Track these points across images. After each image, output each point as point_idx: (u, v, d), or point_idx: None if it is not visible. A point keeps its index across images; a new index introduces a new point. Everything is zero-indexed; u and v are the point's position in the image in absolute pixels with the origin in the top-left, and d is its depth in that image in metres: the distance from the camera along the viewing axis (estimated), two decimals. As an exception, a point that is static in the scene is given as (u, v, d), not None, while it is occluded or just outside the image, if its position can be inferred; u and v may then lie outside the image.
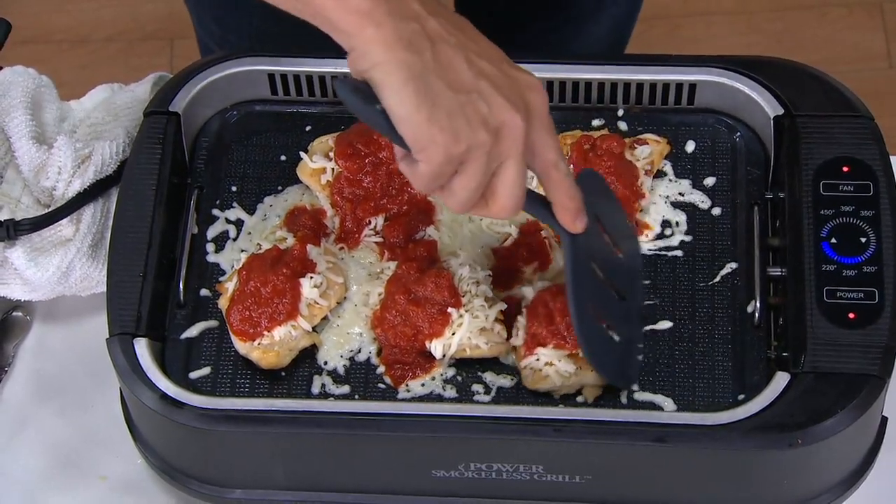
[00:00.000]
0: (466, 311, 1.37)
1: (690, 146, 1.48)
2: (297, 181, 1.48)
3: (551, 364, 1.34)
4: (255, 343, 1.37)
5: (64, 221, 1.48)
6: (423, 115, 1.15)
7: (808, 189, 1.36)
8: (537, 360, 1.34)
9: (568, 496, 1.34)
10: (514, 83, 1.20)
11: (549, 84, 1.48)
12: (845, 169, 1.37)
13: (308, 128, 1.52)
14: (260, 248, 1.42)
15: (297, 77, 1.50)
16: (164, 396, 1.33)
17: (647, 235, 1.43)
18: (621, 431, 1.28)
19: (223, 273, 1.44)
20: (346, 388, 1.38)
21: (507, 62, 1.22)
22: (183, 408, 1.32)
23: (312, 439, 1.32)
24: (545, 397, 1.36)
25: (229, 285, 1.40)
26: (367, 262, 1.43)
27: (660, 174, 1.46)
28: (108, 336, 1.36)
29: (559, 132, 1.42)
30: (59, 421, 1.50)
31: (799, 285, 1.33)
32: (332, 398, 1.37)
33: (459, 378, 1.38)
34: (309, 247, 1.40)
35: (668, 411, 1.33)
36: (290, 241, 1.42)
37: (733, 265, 1.41)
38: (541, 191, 1.27)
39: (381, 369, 1.38)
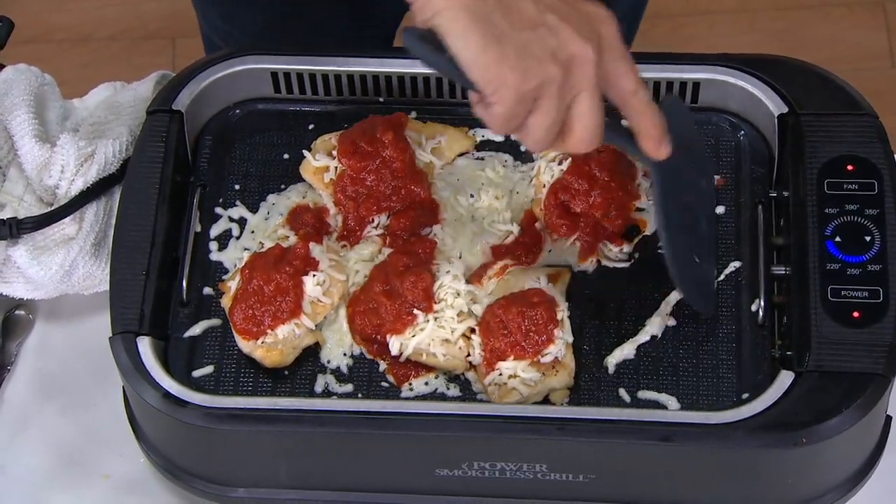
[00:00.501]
0: (434, 319, 1.36)
1: (694, 144, 1.48)
2: (300, 179, 1.48)
3: (515, 376, 1.34)
4: (259, 341, 1.36)
5: (67, 220, 1.48)
6: (491, 56, 1.14)
7: (813, 187, 1.36)
8: (500, 374, 1.34)
9: (571, 495, 1.34)
10: (583, 15, 1.19)
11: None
12: (850, 167, 1.37)
13: (311, 126, 1.51)
14: (263, 247, 1.42)
15: (300, 75, 1.50)
16: (167, 395, 1.32)
17: (649, 232, 1.43)
18: (625, 430, 1.28)
19: (226, 271, 1.44)
20: (349, 387, 1.38)
21: None
22: (186, 406, 1.32)
23: (315, 438, 1.32)
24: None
25: (232, 284, 1.40)
26: (368, 254, 1.43)
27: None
28: (110, 335, 1.36)
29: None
30: (61, 420, 1.50)
31: (803, 284, 1.32)
32: (335, 397, 1.37)
33: (463, 377, 1.38)
34: (312, 245, 1.40)
35: (672, 410, 1.33)
36: (293, 239, 1.42)
37: (737, 264, 1.41)
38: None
39: (384, 367, 1.38)
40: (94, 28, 2.93)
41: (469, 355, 1.37)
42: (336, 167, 1.45)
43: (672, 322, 1.38)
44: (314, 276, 1.38)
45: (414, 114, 1.50)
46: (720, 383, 1.35)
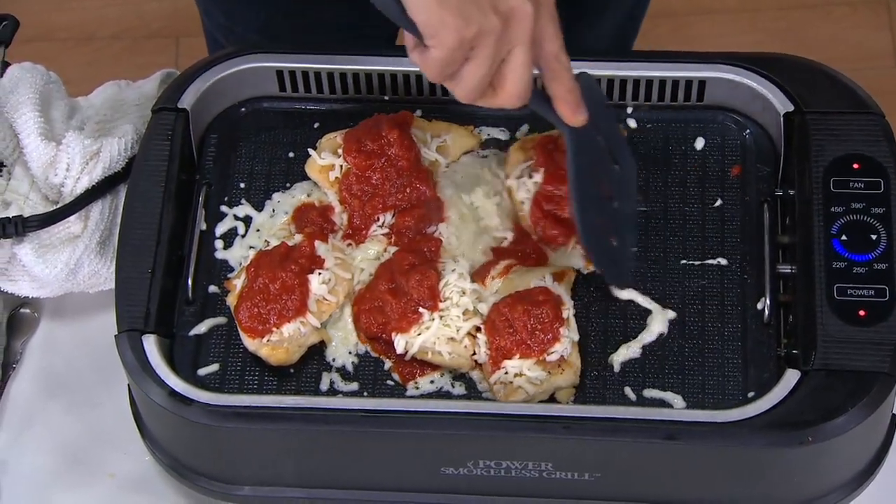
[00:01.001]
0: (440, 317, 1.36)
1: (700, 143, 1.47)
2: (305, 178, 1.48)
3: (521, 375, 1.34)
4: (264, 340, 1.36)
5: (72, 218, 1.48)
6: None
7: (819, 186, 1.36)
8: (505, 373, 1.34)
9: (577, 494, 1.34)
10: None
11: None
12: (856, 166, 1.37)
13: (316, 124, 1.51)
14: (268, 245, 1.42)
15: (305, 73, 1.50)
16: (173, 393, 1.32)
17: None
18: (631, 429, 1.28)
19: (231, 270, 1.44)
20: (354, 385, 1.38)
21: None
22: (191, 404, 1.32)
23: (321, 436, 1.32)
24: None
25: (238, 282, 1.40)
26: (373, 253, 1.43)
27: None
28: (116, 333, 1.36)
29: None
30: (66, 418, 1.50)
31: (809, 283, 1.32)
32: (340, 395, 1.37)
33: (468, 375, 1.38)
34: (317, 243, 1.40)
35: (677, 409, 1.33)
36: (299, 237, 1.42)
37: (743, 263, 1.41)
38: None
39: (390, 366, 1.38)
40: (97, 27, 2.93)
41: (475, 354, 1.36)
42: (341, 165, 1.45)
43: (672, 314, 1.38)
44: (320, 274, 1.38)
45: (419, 112, 1.50)
46: (726, 382, 1.35)
